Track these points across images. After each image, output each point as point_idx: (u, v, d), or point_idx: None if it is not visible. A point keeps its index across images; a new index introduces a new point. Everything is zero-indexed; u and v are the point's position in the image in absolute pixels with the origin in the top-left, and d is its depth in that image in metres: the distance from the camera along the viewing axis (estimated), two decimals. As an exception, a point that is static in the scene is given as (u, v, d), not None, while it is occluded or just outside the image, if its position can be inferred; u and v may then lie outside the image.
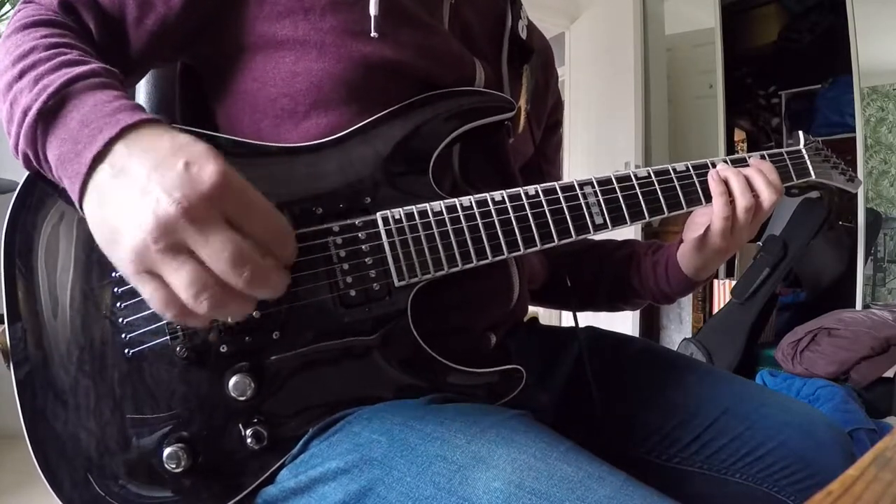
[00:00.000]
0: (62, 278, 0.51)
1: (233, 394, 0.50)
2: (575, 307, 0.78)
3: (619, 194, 0.62)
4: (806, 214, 2.46)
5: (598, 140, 3.27)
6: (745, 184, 0.66)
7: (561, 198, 0.60)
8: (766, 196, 0.66)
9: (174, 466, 0.49)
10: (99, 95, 0.44)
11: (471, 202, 0.57)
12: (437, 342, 0.57)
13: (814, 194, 2.53)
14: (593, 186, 0.62)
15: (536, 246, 0.58)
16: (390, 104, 0.59)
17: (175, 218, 0.37)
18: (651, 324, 3.11)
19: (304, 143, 0.57)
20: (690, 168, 0.67)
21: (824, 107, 2.98)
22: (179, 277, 0.38)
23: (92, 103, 0.43)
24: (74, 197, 0.43)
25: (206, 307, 0.39)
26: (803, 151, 0.77)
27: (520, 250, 0.58)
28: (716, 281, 2.90)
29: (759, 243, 2.53)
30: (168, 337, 0.50)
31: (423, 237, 0.55)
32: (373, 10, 0.58)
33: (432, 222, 0.56)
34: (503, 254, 0.57)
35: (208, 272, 0.39)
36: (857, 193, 2.58)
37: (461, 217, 0.56)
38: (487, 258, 0.57)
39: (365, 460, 0.48)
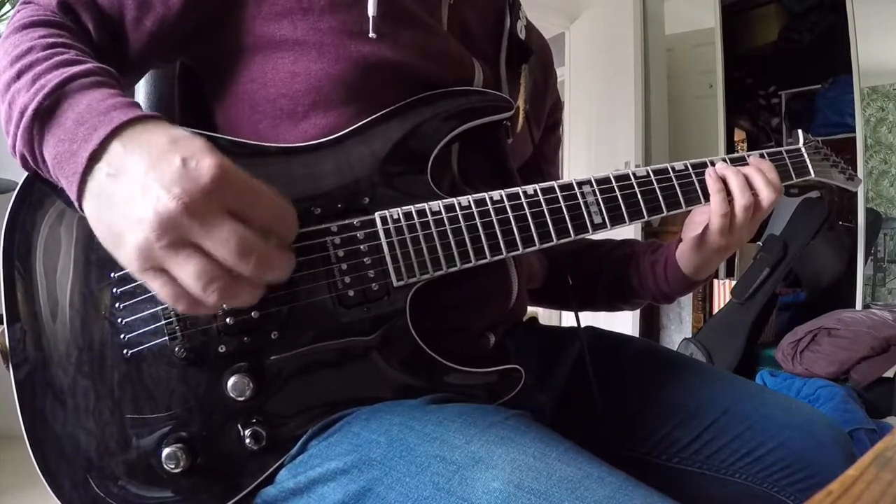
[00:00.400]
0: (61, 279, 0.51)
1: (231, 394, 0.50)
2: (575, 307, 0.78)
3: (617, 193, 0.62)
4: (806, 214, 2.46)
5: (598, 140, 3.27)
6: (744, 182, 0.66)
7: (559, 197, 0.60)
8: (766, 195, 0.66)
9: (173, 467, 0.49)
10: (94, 94, 0.44)
11: (469, 202, 0.57)
12: (436, 342, 0.57)
13: (814, 194, 2.53)
14: (592, 186, 0.62)
15: (535, 245, 0.58)
16: (389, 104, 0.59)
17: (177, 214, 0.38)
18: (651, 324, 3.11)
19: (303, 143, 0.57)
20: (689, 167, 0.67)
21: (824, 107, 2.98)
22: (187, 271, 0.39)
23: (87, 102, 0.44)
24: (73, 196, 0.43)
25: (215, 298, 0.40)
26: (802, 150, 0.77)
27: (518, 250, 0.58)
28: (716, 281, 2.89)
29: (759, 243, 2.53)
30: (167, 337, 0.50)
31: (421, 237, 0.55)
32: (371, 10, 0.58)
33: (431, 222, 0.56)
34: (502, 253, 0.57)
35: (215, 263, 0.39)
36: (857, 193, 2.58)
37: (460, 217, 0.56)
38: (486, 258, 0.57)
39: (364, 461, 0.48)
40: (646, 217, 0.64)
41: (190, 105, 0.67)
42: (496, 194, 0.58)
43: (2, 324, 0.50)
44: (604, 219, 0.61)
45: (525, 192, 0.59)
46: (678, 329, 2.99)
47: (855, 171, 0.86)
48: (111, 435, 0.50)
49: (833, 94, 2.92)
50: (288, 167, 0.55)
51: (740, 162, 0.69)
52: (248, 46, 0.59)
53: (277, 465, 0.52)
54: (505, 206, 0.58)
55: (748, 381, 0.74)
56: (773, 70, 3.24)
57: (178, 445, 0.49)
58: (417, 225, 0.55)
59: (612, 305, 0.86)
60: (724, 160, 0.69)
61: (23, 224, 0.51)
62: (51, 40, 0.48)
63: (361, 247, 0.54)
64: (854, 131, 2.71)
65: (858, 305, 2.61)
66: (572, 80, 3.37)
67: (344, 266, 0.53)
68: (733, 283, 2.58)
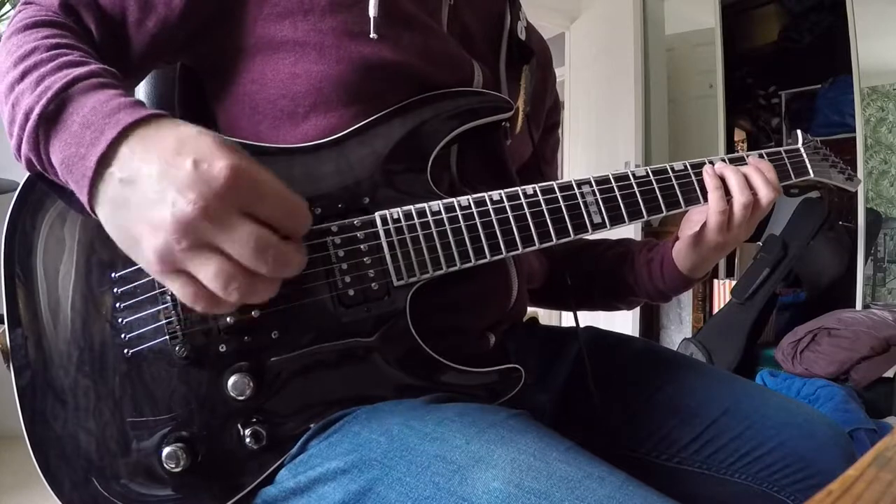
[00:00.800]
0: (62, 279, 0.51)
1: (232, 394, 0.50)
2: (573, 307, 0.78)
3: (617, 193, 0.63)
4: (806, 214, 2.46)
5: (598, 140, 3.27)
6: (743, 181, 0.66)
7: (559, 197, 0.60)
8: (764, 194, 0.66)
9: (173, 466, 0.49)
10: (98, 96, 0.44)
11: (469, 202, 0.57)
12: (436, 342, 0.57)
13: (814, 194, 2.53)
14: (591, 186, 0.62)
15: (535, 245, 0.58)
16: (389, 105, 0.59)
17: (194, 219, 0.38)
18: (651, 324, 3.11)
19: (303, 143, 0.57)
20: (689, 167, 0.67)
21: (824, 107, 2.98)
22: (207, 272, 0.40)
23: (92, 104, 0.44)
24: (84, 200, 0.43)
25: (236, 296, 0.41)
26: (801, 150, 0.77)
27: (518, 249, 0.58)
28: (716, 281, 2.89)
29: (759, 243, 2.53)
30: (167, 337, 0.50)
31: (421, 237, 0.55)
32: (372, 11, 0.58)
33: (431, 222, 0.56)
34: (501, 253, 0.57)
35: (233, 263, 0.40)
36: (857, 193, 2.58)
37: (459, 216, 0.56)
38: (486, 258, 0.57)
39: (364, 460, 0.48)
40: (645, 217, 0.64)
41: (190, 106, 0.67)
42: (496, 194, 0.58)
43: (2, 324, 0.50)
44: (603, 219, 0.61)
45: (524, 192, 0.59)
46: (678, 329, 2.99)
47: (855, 171, 0.86)
48: (111, 434, 0.50)
49: (833, 94, 2.92)
50: (288, 167, 0.55)
51: (739, 162, 0.70)
52: (248, 47, 0.59)
53: (277, 464, 0.52)
54: (504, 206, 0.58)
55: (748, 381, 0.74)
56: (773, 70, 3.23)
57: (179, 445, 0.49)
58: (417, 225, 0.56)
59: (608, 305, 0.86)
60: (724, 160, 0.69)
61: (24, 224, 0.51)
62: (55, 41, 0.48)
63: (361, 246, 0.54)
64: (854, 131, 2.71)
65: (858, 305, 2.61)
66: (572, 80, 3.37)
67: (344, 266, 0.54)
68: (733, 283, 2.58)
